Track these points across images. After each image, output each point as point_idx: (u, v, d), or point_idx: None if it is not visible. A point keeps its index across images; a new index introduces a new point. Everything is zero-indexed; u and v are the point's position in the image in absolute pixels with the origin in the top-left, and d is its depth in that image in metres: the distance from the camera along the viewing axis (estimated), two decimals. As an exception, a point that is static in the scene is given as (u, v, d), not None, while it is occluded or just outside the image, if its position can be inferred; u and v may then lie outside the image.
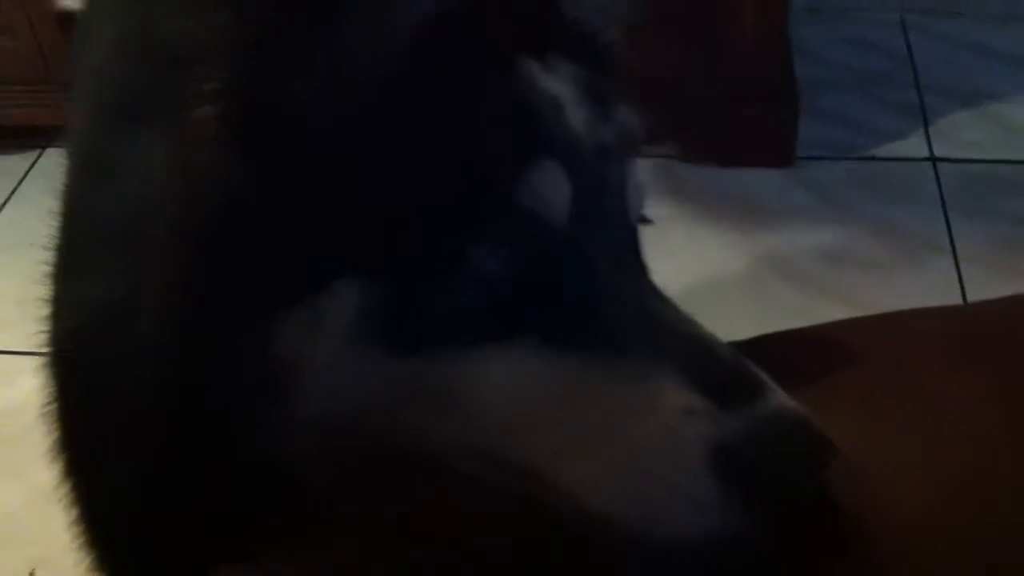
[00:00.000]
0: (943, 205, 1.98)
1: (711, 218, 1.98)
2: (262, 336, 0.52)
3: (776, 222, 1.97)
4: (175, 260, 0.55)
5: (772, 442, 0.49)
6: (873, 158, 2.10)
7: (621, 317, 0.53)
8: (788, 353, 0.73)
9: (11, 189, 2.06)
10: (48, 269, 0.76)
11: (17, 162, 2.12)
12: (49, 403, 0.73)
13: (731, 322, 0.82)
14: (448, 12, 0.55)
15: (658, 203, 1.96)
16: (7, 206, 2.04)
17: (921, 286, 1.80)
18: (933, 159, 2.09)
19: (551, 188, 0.54)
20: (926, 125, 2.18)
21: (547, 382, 0.52)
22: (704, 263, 1.87)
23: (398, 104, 0.53)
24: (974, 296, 1.77)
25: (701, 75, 2.01)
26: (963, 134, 2.15)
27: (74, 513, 0.75)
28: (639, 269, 0.60)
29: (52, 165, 1.92)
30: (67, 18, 1.89)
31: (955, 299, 1.74)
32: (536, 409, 0.52)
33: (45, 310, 0.75)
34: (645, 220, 0.64)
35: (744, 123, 2.04)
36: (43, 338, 0.74)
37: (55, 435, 0.74)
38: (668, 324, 0.55)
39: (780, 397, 0.51)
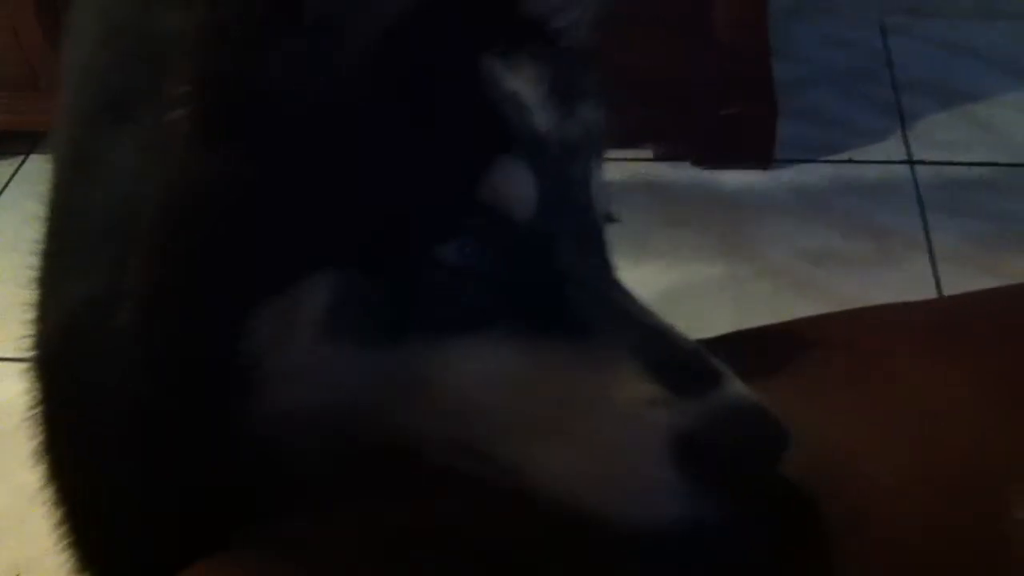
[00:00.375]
0: (920, 204, 2.00)
1: (690, 218, 1.99)
2: (239, 327, 0.54)
3: (755, 222, 1.98)
4: (154, 254, 0.56)
5: (729, 430, 0.50)
6: (851, 161, 2.12)
7: (586, 308, 0.55)
8: (766, 347, 0.74)
9: (-5, 194, 2.06)
10: (34, 273, 0.76)
11: (1, 168, 2.12)
12: (34, 407, 0.74)
13: (710, 321, 0.84)
14: (411, 11, 0.56)
15: (637, 203, 2.01)
16: (-9, 211, 2.04)
17: (898, 284, 1.81)
18: (911, 162, 2.11)
19: (515, 185, 0.56)
20: (903, 125, 2.20)
21: (516, 371, 0.54)
22: (683, 262, 1.88)
23: (362, 101, 0.55)
24: (950, 291, 1.78)
25: (680, 75, 2.02)
26: (940, 134, 2.17)
27: (58, 514, 0.76)
28: (604, 263, 0.62)
29: (36, 171, 1.92)
30: (52, 23, 1.89)
31: (932, 296, 1.76)
32: (506, 398, 0.54)
33: (31, 314, 0.76)
34: (611, 217, 0.65)
35: (723, 123, 2.05)
36: (29, 342, 0.75)
37: (39, 438, 0.75)
38: (631, 315, 0.57)
39: (738, 386, 0.53)
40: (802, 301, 1.77)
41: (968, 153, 2.12)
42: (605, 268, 0.61)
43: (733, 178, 2.07)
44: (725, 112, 2.04)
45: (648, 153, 2.09)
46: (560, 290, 0.56)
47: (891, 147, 2.14)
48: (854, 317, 0.82)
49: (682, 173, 2.09)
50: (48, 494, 0.74)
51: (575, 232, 0.59)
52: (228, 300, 0.54)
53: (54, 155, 0.81)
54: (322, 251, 0.54)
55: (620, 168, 2.11)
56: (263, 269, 0.54)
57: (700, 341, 0.57)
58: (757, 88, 2.05)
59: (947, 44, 2.43)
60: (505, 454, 0.54)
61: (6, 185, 2.09)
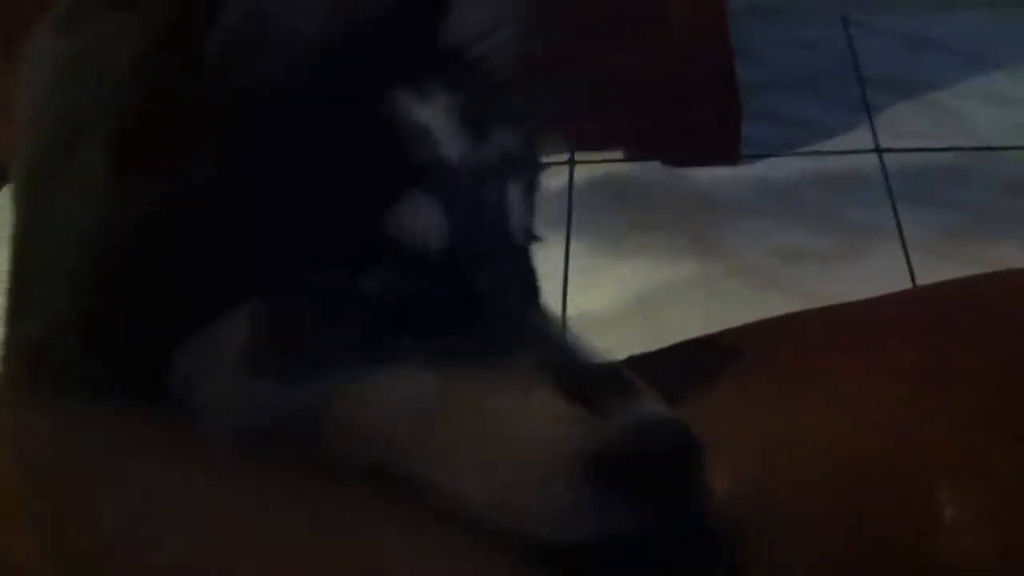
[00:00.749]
0: (890, 195, 2.00)
1: (661, 218, 1.99)
2: (164, 364, 0.54)
3: (727, 220, 1.99)
4: (80, 293, 0.57)
5: (641, 445, 0.51)
6: (819, 152, 2.12)
7: (502, 331, 0.56)
8: (738, 349, 0.75)
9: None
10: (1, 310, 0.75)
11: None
12: None
13: (683, 319, 0.84)
14: (321, 43, 0.56)
15: (608, 205, 2.00)
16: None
17: (871, 275, 1.82)
18: (879, 150, 2.12)
19: (424, 219, 0.55)
20: (870, 118, 2.21)
21: (431, 396, 0.54)
22: (656, 262, 1.88)
23: (270, 135, 0.55)
24: (924, 282, 1.79)
25: (644, 77, 2.02)
26: (906, 125, 2.19)
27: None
28: (525, 284, 0.62)
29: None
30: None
31: (905, 286, 1.77)
32: (422, 422, 0.54)
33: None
34: (533, 237, 0.65)
35: (688, 123, 2.06)
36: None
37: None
38: (547, 337, 0.58)
39: (651, 403, 0.53)
40: (775, 295, 1.77)
41: (935, 141, 2.13)
42: (525, 289, 0.61)
43: (703, 176, 2.08)
44: (692, 112, 2.05)
45: (619, 154, 2.10)
46: (477, 314, 0.56)
47: (859, 140, 2.16)
48: (828, 313, 0.83)
49: (652, 173, 2.09)
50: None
51: (492, 255, 0.59)
52: (151, 338, 0.55)
53: (15, 184, 0.80)
54: (239, 287, 0.54)
55: (590, 169, 2.14)
56: (181, 308, 0.55)
57: (678, 344, 0.57)
58: (722, 88, 2.06)
59: (908, 37, 2.45)
60: (421, 476, 0.54)
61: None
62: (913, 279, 1.81)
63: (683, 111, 2.05)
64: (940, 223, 1.93)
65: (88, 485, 0.48)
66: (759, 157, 2.11)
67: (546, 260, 0.65)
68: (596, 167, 2.06)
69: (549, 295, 0.64)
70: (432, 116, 0.57)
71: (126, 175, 0.55)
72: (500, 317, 0.56)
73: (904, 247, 1.88)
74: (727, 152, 2.09)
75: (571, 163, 2.05)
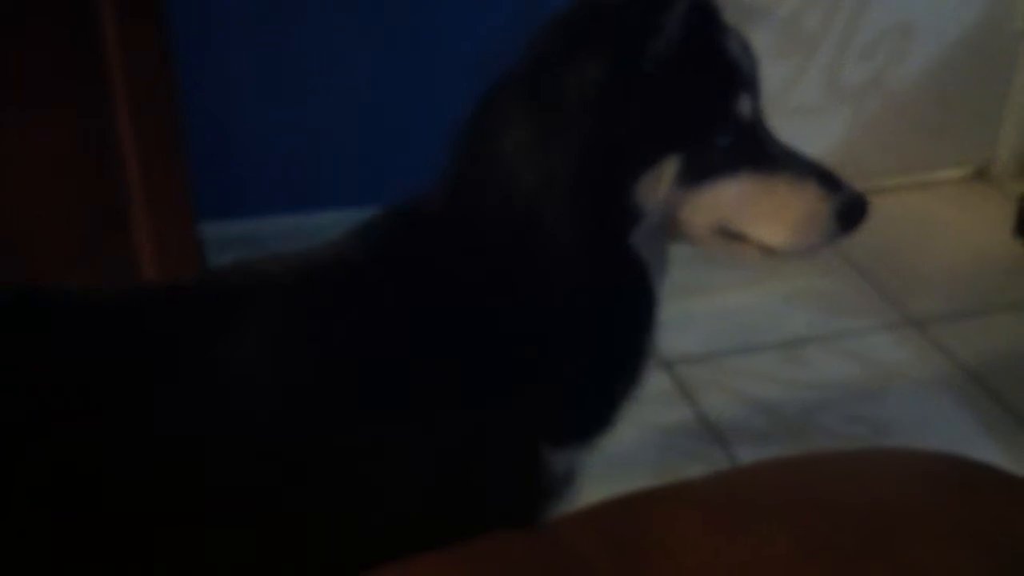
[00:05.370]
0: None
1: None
2: (632, 186, 0.94)
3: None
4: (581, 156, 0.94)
5: (854, 204, 1.00)
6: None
7: (775, 152, 1.02)
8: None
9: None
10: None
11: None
12: None
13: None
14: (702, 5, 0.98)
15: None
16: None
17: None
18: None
19: (746, 104, 0.99)
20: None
21: (752, 187, 0.99)
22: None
23: (689, 67, 0.97)
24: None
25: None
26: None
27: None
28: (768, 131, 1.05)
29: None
30: None
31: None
32: (746, 201, 0.99)
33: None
34: None
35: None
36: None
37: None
38: (793, 155, 1.02)
39: (851, 184, 1.02)
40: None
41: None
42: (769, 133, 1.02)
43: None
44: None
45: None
46: (764, 143, 1.00)
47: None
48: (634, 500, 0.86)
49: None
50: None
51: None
52: (627, 172, 0.94)
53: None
54: (672, 144, 0.94)
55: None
56: (644, 158, 0.94)
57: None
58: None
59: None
60: (742, 228, 0.99)
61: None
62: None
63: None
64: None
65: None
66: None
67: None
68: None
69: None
70: (738, 51, 0.99)
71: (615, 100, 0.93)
72: (773, 145, 1.00)
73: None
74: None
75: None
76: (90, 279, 1.47)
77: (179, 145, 1.52)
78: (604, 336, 0.99)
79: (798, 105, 2.40)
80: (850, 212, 0.99)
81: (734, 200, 0.98)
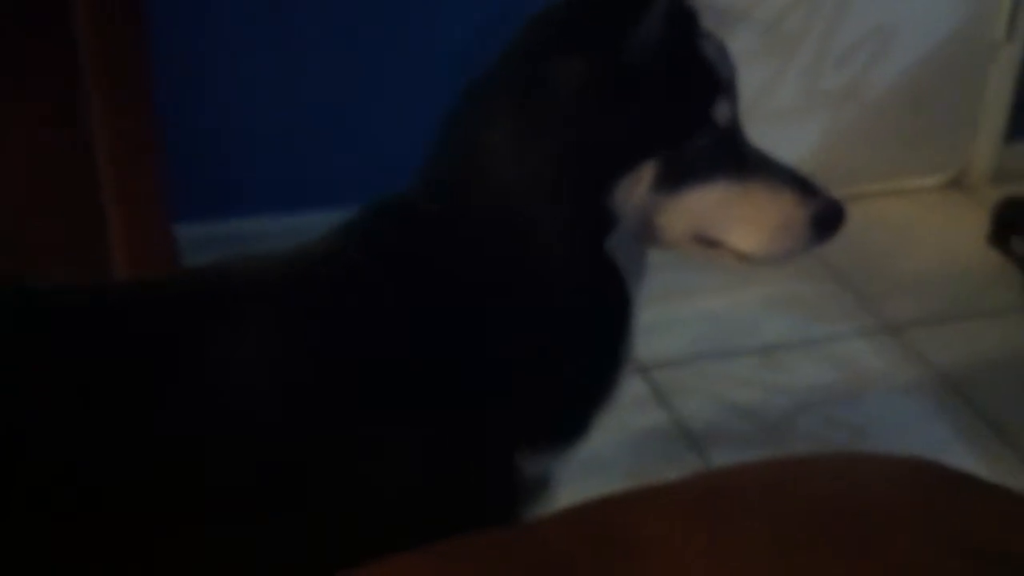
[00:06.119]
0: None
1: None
2: (609, 190, 0.94)
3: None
4: (565, 154, 0.94)
5: (831, 210, 1.01)
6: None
7: (748, 154, 1.02)
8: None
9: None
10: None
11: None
12: None
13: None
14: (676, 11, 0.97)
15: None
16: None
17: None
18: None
19: (724, 109, 0.99)
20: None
21: (733, 192, 1.00)
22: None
23: (667, 71, 0.96)
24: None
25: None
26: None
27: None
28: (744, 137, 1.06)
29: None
30: None
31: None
32: (720, 205, 1.00)
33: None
34: None
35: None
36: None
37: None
38: (770, 161, 1.03)
39: (827, 191, 1.02)
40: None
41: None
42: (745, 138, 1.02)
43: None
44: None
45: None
46: (741, 149, 1.00)
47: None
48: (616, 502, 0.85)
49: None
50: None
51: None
52: (604, 177, 0.94)
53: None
54: (650, 149, 0.94)
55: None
56: (622, 162, 0.94)
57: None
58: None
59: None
60: (719, 235, 0.99)
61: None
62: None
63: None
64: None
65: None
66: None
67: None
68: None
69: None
70: (716, 56, 0.99)
71: (596, 99, 0.93)
72: (747, 148, 1.00)
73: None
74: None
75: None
76: (65, 279, 1.46)
77: (154, 146, 1.51)
78: (579, 341, 0.99)
79: (775, 110, 2.40)
80: (827, 219, 0.99)
81: (711, 207, 0.98)
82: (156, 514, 0.88)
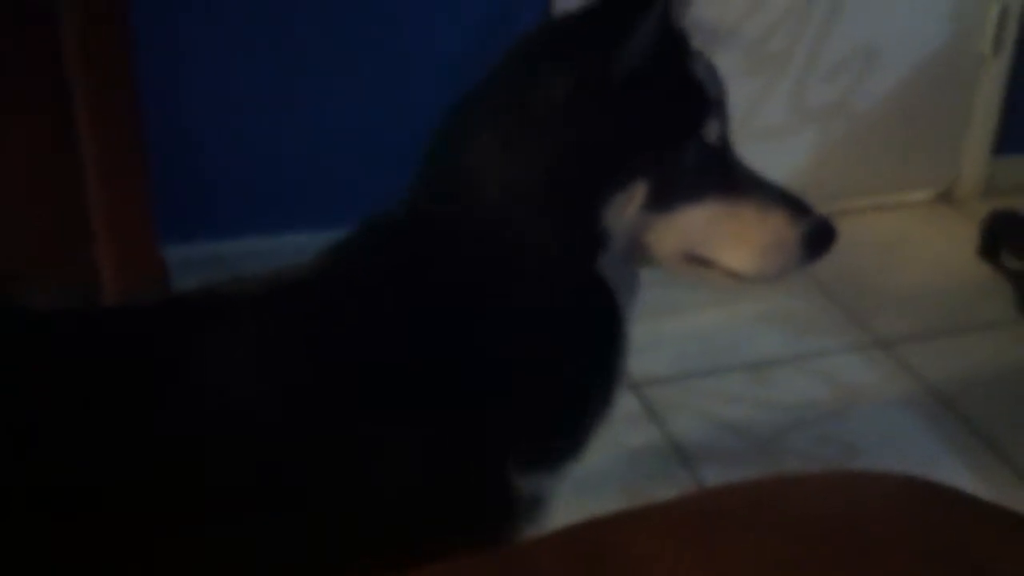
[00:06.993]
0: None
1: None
2: (600, 210, 0.94)
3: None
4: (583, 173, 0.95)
5: (821, 228, 1.00)
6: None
7: (740, 173, 1.02)
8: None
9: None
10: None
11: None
12: None
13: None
14: (663, 31, 0.95)
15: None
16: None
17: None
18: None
19: (714, 128, 0.98)
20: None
21: (723, 211, 0.99)
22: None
23: (658, 91, 0.96)
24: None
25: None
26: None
27: None
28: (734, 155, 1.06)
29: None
30: None
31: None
32: (712, 223, 0.99)
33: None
34: None
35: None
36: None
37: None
38: (762, 180, 1.02)
39: (819, 211, 1.03)
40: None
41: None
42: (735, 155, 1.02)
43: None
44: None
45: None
46: (732, 168, 1.00)
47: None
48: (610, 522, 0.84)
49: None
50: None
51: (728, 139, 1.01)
52: (595, 194, 0.93)
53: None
54: (640, 169, 0.93)
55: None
56: (612, 179, 0.93)
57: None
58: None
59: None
60: (710, 254, 0.99)
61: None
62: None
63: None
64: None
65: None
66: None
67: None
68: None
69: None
70: (705, 75, 0.99)
71: (578, 112, 0.93)
72: (737, 167, 1.00)
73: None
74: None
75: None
76: (52, 300, 1.46)
77: (141, 167, 1.51)
78: (571, 361, 0.99)
79: (764, 127, 2.41)
80: (818, 238, 0.99)
81: (701, 226, 0.97)
82: (156, 514, 0.87)
